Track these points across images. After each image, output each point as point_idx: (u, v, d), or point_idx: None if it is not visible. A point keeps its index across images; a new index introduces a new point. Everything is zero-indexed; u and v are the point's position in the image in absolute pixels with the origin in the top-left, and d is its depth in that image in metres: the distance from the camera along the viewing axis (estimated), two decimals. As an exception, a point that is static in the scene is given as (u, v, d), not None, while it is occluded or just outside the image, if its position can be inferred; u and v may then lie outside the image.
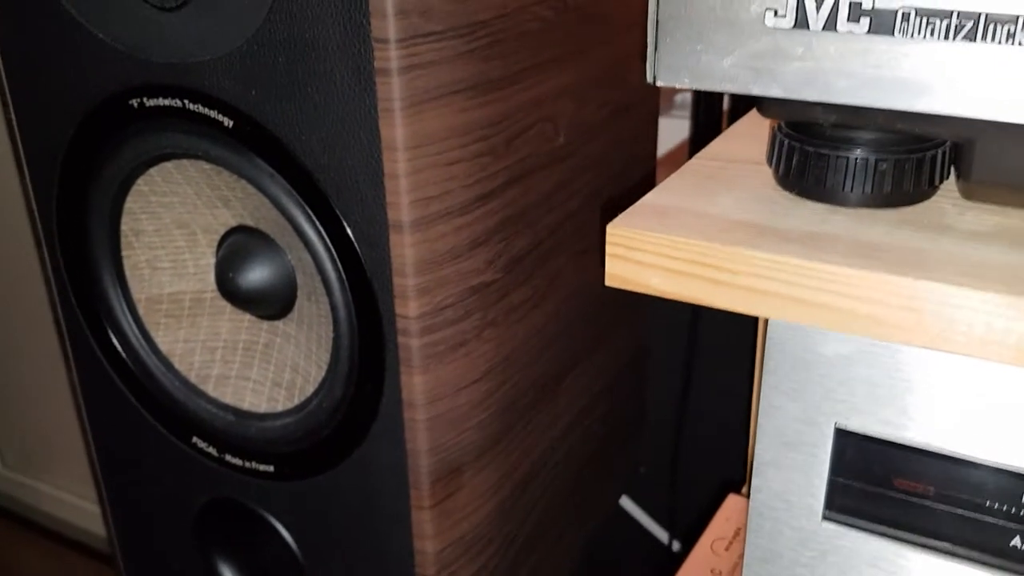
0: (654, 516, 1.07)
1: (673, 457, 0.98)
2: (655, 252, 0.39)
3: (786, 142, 0.41)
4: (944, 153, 0.40)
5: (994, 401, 0.39)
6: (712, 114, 0.88)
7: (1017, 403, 0.38)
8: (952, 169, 0.41)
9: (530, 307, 0.63)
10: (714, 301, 0.38)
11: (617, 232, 0.39)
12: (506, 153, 0.56)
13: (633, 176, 0.75)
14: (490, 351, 0.59)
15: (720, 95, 0.87)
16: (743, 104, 0.86)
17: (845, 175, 0.39)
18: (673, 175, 0.45)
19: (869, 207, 0.40)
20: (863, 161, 0.39)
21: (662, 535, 1.06)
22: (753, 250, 0.37)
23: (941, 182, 0.41)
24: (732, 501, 0.63)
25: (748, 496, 0.68)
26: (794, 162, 0.41)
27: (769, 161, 0.43)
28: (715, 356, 0.92)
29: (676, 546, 1.06)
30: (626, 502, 1.07)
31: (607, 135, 0.69)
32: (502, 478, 0.65)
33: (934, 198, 0.41)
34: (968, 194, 0.40)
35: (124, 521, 0.77)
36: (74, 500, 1.73)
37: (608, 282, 0.40)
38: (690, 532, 1.04)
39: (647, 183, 0.79)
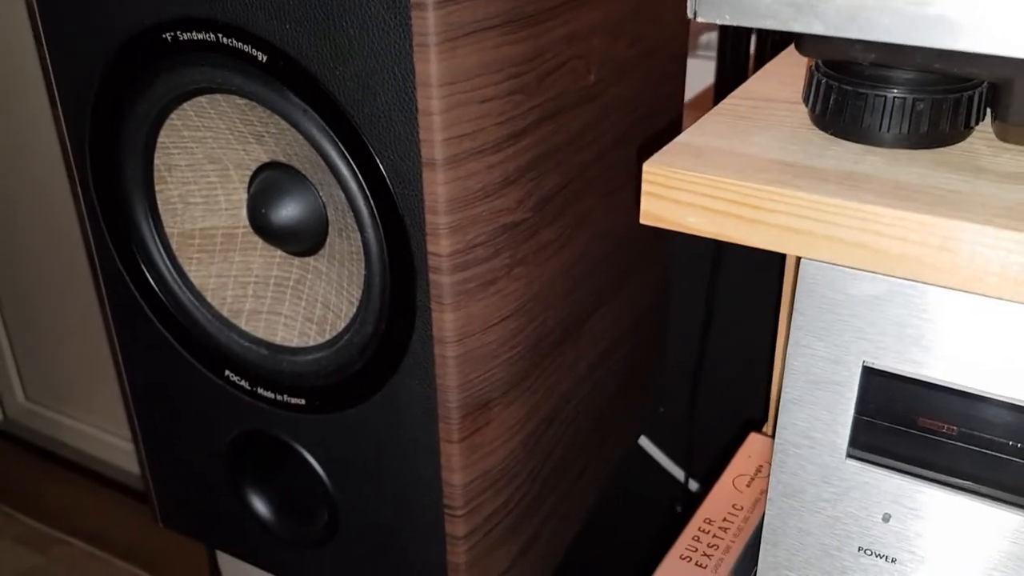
0: (671, 455, 1.09)
1: (692, 396, 0.99)
2: (692, 191, 0.39)
3: (824, 81, 0.41)
4: (981, 94, 0.40)
5: (1021, 341, 0.39)
6: (738, 55, 0.87)
7: (1046, 344, 0.39)
8: (987, 111, 0.41)
9: (558, 247, 0.64)
10: (750, 240, 0.39)
11: (654, 170, 0.40)
12: (538, 91, 0.56)
13: (662, 116, 0.75)
14: (519, 289, 0.60)
15: (747, 36, 0.86)
16: (770, 46, 0.85)
17: (883, 115, 0.39)
18: (707, 115, 0.45)
19: (905, 148, 0.40)
20: (900, 101, 0.39)
21: (679, 474, 1.08)
22: (790, 189, 0.37)
23: (977, 123, 0.41)
24: (753, 439, 0.64)
25: (770, 435, 0.70)
26: (831, 101, 0.41)
27: (805, 100, 0.43)
28: (736, 295, 0.93)
29: (693, 485, 1.08)
30: (644, 442, 1.08)
31: (637, 74, 0.69)
32: (528, 414, 0.66)
33: (969, 139, 0.41)
34: (1004, 135, 0.40)
35: (156, 453, 0.79)
36: (96, 432, 1.76)
37: (643, 220, 0.41)
38: (708, 472, 1.06)
39: (675, 124, 0.79)
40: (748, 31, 0.86)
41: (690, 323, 0.96)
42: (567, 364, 0.70)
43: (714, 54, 0.89)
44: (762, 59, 0.86)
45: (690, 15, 0.38)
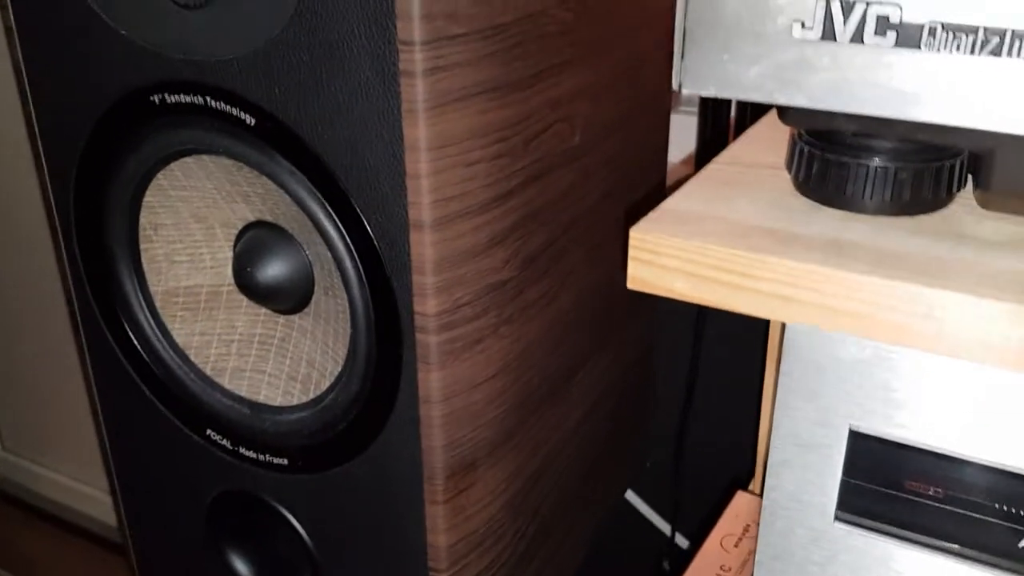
0: (658, 509, 1.09)
1: (677, 450, 0.98)
2: (678, 257, 0.39)
3: (806, 149, 0.42)
4: (962, 162, 0.40)
5: (1007, 407, 0.40)
6: (719, 112, 0.88)
7: (1031, 409, 0.39)
8: (968, 178, 0.42)
9: (544, 304, 0.64)
10: (737, 306, 0.39)
11: (640, 237, 0.40)
12: (524, 153, 0.57)
13: (646, 172, 0.76)
14: (505, 348, 0.60)
15: (727, 100, 0.87)
16: (752, 105, 0.86)
17: (865, 183, 0.40)
18: (691, 180, 0.46)
19: (887, 215, 0.41)
20: (883, 170, 0.40)
21: (666, 528, 1.07)
22: (777, 257, 0.38)
23: (959, 190, 0.41)
24: (740, 498, 0.64)
25: (757, 494, 0.70)
26: (814, 169, 0.41)
27: (788, 167, 0.43)
28: (721, 351, 0.93)
29: (680, 539, 1.07)
30: (631, 496, 1.08)
31: (621, 133, 0.70)
32: (514, 473, 0.65)
33: (951, 207, 0.42)
34: (985, 203, 0.41)
35: (136, 512, 0.78)
36: (74, 484, 1.73)
37: (630, 285, 0.41)
38: (695, 526, 1.05)
39: (660, 180, 0.80)
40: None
41: (675, 379, 0.96)
42: (554, 421, 0.70)
43: (695, 109, 0.91)
44: (743, 114, 0.87)
45: (675, 87, 0.39)
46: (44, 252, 1.43)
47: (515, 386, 0.63)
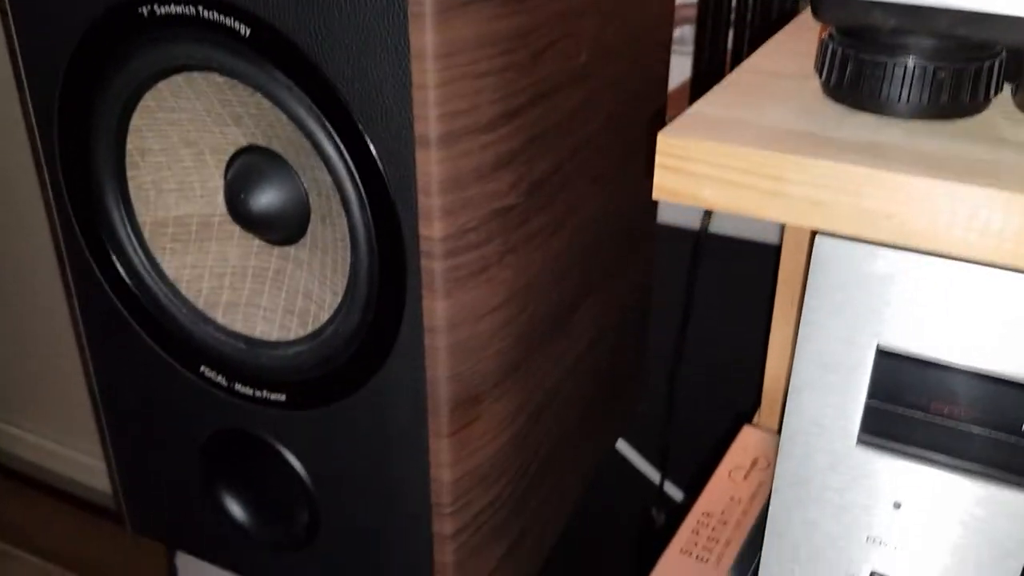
0: (649, 459, 1.08)
1: (669, 398, 0.97)
2: (710, 162, 0.38)
3: (840, 50, 0.39)
4: (1001, 62, 0.39)
5: (1047, 318, 0.38)
6: (716, 50, 0.86)
7: (1071, 319, 0.38)
8: (1004, 84, 0.40)
9: (548, 234, 0.62)
10: (769, 213, 0.37)
11: (670, 141, 0.38)
12: (532, 68, 0.54)
13: (649, 102, 0.74)
14: (510, 278, 0.58)
15: (724, 32, 0.85)
16: (747, 42, 0.84)
17: (902, 84, 0.38)
18: (715, 88, 0.44)
19: (923, 118, 0.39)
20: (921, 69, 0.38)
21: (656, 477, 1.07)
22: (813, 158, 0.36)
23: (996, 95, 0.39)
24: (747, 432, 0.63)
25: (762, 427, 0.68)
26: (848, 71, 0.39)
27: (819, 71, 0.41)
28: (714, 297, 0.92)
29: (669, 488, 1.06)
30: (622, 445, 1.07)
31: (625, 58, 0.67)
32: (517, 409, 0.64)
33: (987, 111, 0.40)
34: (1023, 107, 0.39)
35: (126, 456, 0.75)
36: (53, 447, 1.71)
37: (656, 195, 0.39)
38: (684, 476, 1.05)
39: (661, 111, 0.78)
40: (726, 26, 0.85)
41: (668, 327, 0.95)
42: (555, 357, 0.69)
43: (690, 49, 0.88)
44: (739, 54, 0.85)
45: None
46: (25, 199, 1.39)
47: (519, 318, 0.61)
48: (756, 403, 0.72)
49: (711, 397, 0.98)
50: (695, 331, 0.93)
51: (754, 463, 0.61)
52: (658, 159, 0.38)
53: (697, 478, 1.07)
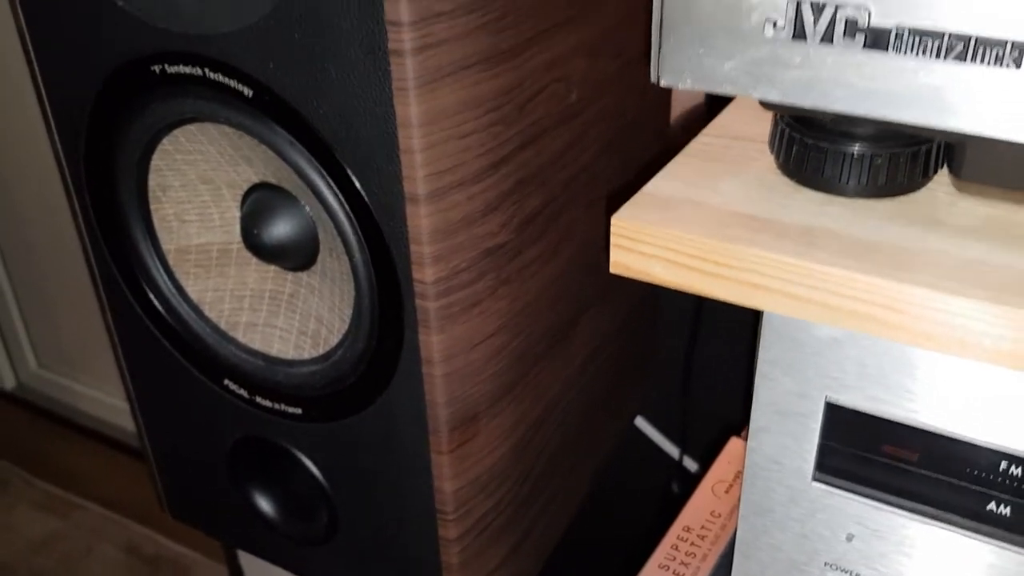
0: (667, 435, 1.12)
1: (685, 376, 1.01)
2: (657, 244, 0.41)
3: (787, 132, 0.42)
4: (938, 146, 0.41)
5: (975, 383, 0.41)
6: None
7: (993, 387, 0.41)
8: (943, 162, 0.42)
9: (544, 261, 0.66)
10: (714, 293, 0.41)
11: (621, 224, 0.41)
12: (519, 118, 0.57)
13: (647, 125, 0.76)
14: (504, 307, 0.62)
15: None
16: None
17: (842, 168, 0.41)
18: (678, 156, 0.46)
19: (864, 197, 0.42)
20: (859, 156, 0.40)
21: (675, 452, 1.11)
22: (750, 247, 0.39)
23: (935, 173, 0.42)
24: (733, 444, 0.67)
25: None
26: (794, 153, 0.42)
27: (771, 147, 0.44)
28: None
29: (688, 463, 1.10)
30: (640, 421, 1.11)
31: (620, 86, 0.70)
32: (516, 421, 0.68)
33: (929, 185, 0.43)
34: (959, 187, 0.41)
35: (162, 452, 0.82)
36: (109, 399, 1.79)
37: (612, 269, 0.43)
38: (703, 449, 1.08)
39: (661, 132, 0.80)
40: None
41: (684, 303, 0.97)
42: (555, 370, 0.73)
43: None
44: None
45: (654, 80, 0.39)
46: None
47: (514, 341, 0.65)
48: (745, 416, 0.76)
49: (728, 371, 1.01)
50: (710, 305, 0.95)
51: (736, 476, 0.65)
52: (612, 238, 0.42)
53: (715, 452, 1.11)
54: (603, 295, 0.78)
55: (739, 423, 0.92)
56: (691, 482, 1.10)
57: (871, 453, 0.47)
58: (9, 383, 1.92)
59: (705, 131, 0.49)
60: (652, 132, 0.78)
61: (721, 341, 0.98)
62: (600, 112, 0.68)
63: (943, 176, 0.43)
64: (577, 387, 0.78)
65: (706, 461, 1.10)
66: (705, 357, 1.00)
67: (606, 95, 0.68)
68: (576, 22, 0.61)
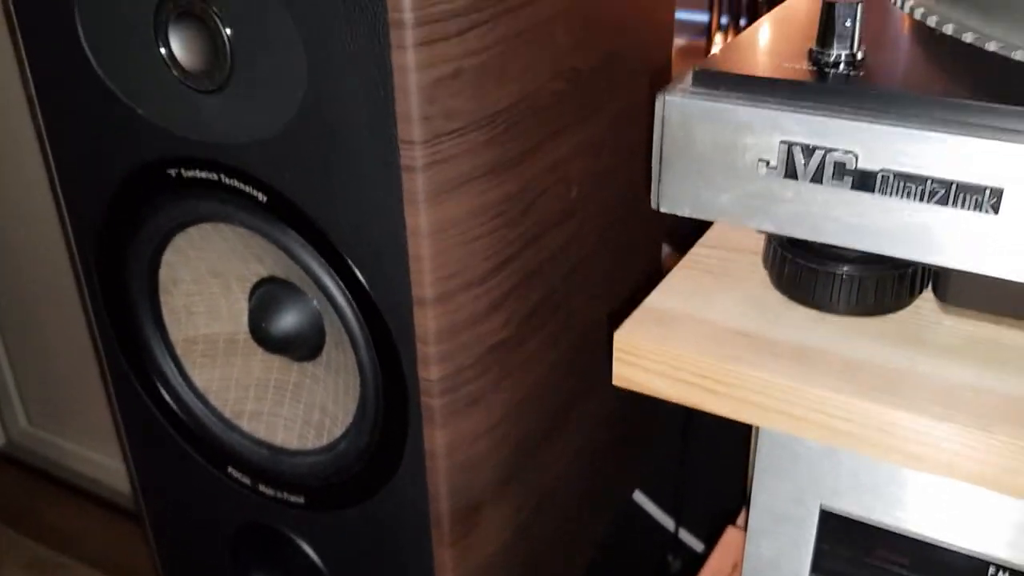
0: (664, 508, 1.12)
1: (683, 449, 1.02)
2: (658, 361, 0.43)
3: (780, 252, 0.44)
4: (923, 269, 0.43)
5: (961, 495, 0.43)
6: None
7: (979, 500, 0.42)
8: (930, 281, 0.44)
9: (544, 351, 0.67)
10: (712, 408, 0.42)
11: (623, 340, 0.43)
12: (522, 220, 0.59)
13: (640, 215, 0.79)
14: (506, 398, 0.64)
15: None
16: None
17: (832, 288, 0.43)
18: (676, 269, 0.49)
19: (853, 315, 0.44)
20: (849, 277, 0.43)
21: (671, 525, 1.11)
22: (746, 367, 0.41)
23: (920, 292, 0.44)
24: (730, 535, 0.68)
25: (744, 528, 0.73)
26: (786, 272, 0.44)
27: (765, 265, 0.46)
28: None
29: (684, 535, 1.11)
30: (637, 495, 1.12)
31: (617, 179, 0.72)
32: (518, 509, 0.69)
33: (916, 303, 0.45)
34: (944, 308, 0.43)
35: (165, 537, 0.82)
36: (98, 457, 1.79)
37: (615, 382, 0.44)
38: (701, 524, 1.09)
39: (653, 224, 0.82)
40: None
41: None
42: (555, 453, 0.74)
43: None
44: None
45: (654, 206, 0.42)
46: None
47: (515, 431, 0.66)
48: (742, 500, 0.77)
49: (724, 445, 1.02)
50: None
51: (734, 567, 0.66)
52: (615, 353, 0.44)
53: (711, 526, 1.12)
54: (601, 377, 0.80)
55: (735, 496, 0.93)
56: (687, 556, 1.11)
57: (864, 557, 0.48)
58: (-1, 441, 1.92)
59: (701, 241, 0.51)
60: (645, 221, 0.80)
61: (716, 416, 0.99)
62: (597, 206, 0.70)
63: (929, 292, 0.45)
64: (577, 468, 0.79)
65: (702, 534, 1.10)
66: (701, 432, 1.01)
67: (603, 189, 0.71)
68: (576, 125, 0.64)
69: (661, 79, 0.76)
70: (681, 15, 0.89)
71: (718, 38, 0.92)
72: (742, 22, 0.91)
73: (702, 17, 0.94)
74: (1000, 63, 0.38)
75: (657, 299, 0.46)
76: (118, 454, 1.72)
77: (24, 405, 1.88)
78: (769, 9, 0.92)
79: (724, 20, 0.92)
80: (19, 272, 1.63)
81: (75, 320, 1.57)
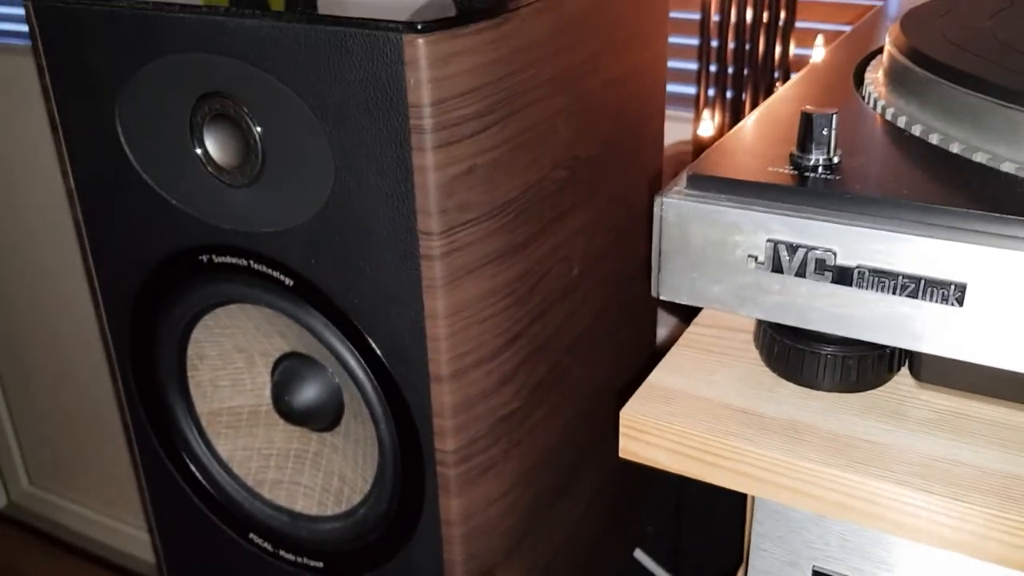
0: (664, 565, 1.15)
1: (679, 507, 1.05)
2: (661, 436, 0.47)
3: (769, 333, 0.48)
4: (899, 351, 0.47)
5: (945, 558, 0.46)
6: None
7: (963, 562, 0.46)
8: (907, 360, 0.48)
9: (550, 420, 0.71)
10: (712, 479, 0.46)
11: (629, 417, 0.47)
12: (530, 298, 0.64)
13: (635, 286, 0.83)
14: (516, 466, 0.67)
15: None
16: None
17: (818, 367, 0.47)
18: (674, 348, 0.53)
19: (838, 392, 0.48)
20: (832, 357, 0.47)
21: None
22: (743, 443, 0.45)
23: (899, 369, 0.48)
24: (731, 593, 0.71)
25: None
26: (775, 352, 0.48)
27: (755, 345, 0.50)
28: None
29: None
30: (638, 553, 1.14)
31: (613, 255, 0.77)
32: (529, 570, 0.72)
33: (895, 379, 0.49)
34: (919, 385, 0.47)
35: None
36: (100, 517, 1.80)
37: (622, 455, 0.48)
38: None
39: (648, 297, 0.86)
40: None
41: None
42: (562, 514, 0.77)
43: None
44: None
45: (655, 294, 0.46)
46: (72, 285, 1.50)
47: (526, 495, 0.70)
48: (739, 559, 0.80)
49: (720, 503, 1.05)
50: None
51: (735, 625, 0.69)
52: (622, 428, 0.47)
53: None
54: (603, 440, 0.84)
55: (732, 555, 0.96)
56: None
57: (858, 615, 0.52)
58: (0, 501, 1.93)
59: (697, 320, 0.55)
60: (639, 292, 0.85)
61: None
62: (597, 280, 0.75)
63: (906, 369, 0.49)
64: (583, 527, 0.82)
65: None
66: (698, 494, 1.04)
67: (601, 265, 0.75)
68: (576, 208, 0.68)
69: (652, 164, 0.81)
70: (672, 88, 0.94)
71: (706, 113, 0.97)
72: (728, 95, 0.96)
73: (690, 90, 1.00)
74: (963, 164, 0.43)
75: (658, 376, 0.50)
76: (120, 515, 1.74)
77: (25, 465, 1.90)
78: (753, 85, 0.97)
79: (711, 92, 0.98)
80: (23, 333, 1.67)
81: (79, 380, 1.60)
